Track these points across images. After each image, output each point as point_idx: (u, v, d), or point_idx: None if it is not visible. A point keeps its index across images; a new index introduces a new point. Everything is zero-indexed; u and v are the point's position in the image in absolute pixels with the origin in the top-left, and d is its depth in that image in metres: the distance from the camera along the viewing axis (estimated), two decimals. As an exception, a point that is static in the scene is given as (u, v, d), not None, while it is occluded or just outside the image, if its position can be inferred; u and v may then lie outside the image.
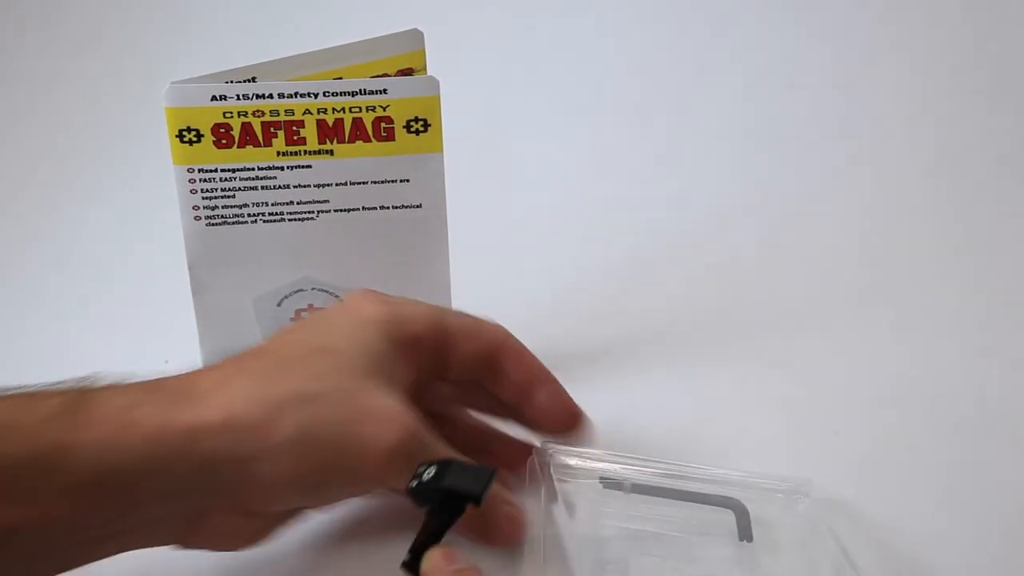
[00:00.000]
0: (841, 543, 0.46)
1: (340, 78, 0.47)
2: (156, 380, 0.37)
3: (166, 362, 0.41)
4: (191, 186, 0.47)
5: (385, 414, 0.38)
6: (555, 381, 0.46)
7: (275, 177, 0.47)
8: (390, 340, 0.40)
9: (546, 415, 0.45)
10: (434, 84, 0.47)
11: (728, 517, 0.46)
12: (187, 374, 0.38)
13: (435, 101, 0.47)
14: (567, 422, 0.46)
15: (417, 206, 0.49)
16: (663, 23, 0.93)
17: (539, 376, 0.45)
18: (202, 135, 0.46)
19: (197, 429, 0.35)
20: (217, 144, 0.46)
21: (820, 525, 0.46)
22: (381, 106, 0.46)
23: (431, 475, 0.36)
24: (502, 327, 0.45)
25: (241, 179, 0.47)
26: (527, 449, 0.46)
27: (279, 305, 0.50)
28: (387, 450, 0.37)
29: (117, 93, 0.91)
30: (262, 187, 0.47)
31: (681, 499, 0.47)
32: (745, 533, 0.45)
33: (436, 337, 0.42)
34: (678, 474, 0.47)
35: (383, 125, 0.47)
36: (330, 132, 0.47)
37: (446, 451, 0.39)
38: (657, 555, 0.45)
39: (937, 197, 0.80)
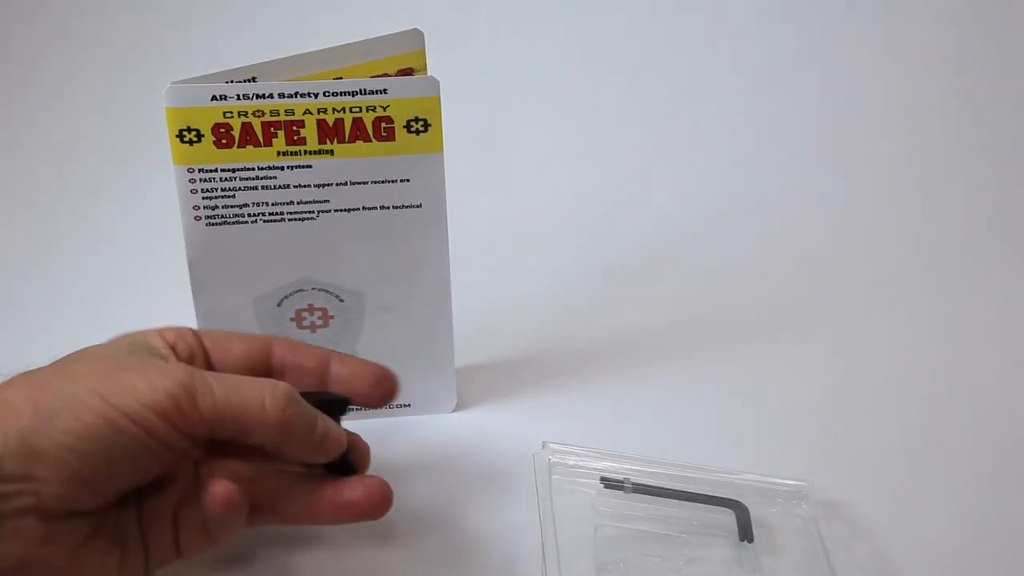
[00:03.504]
0: (841, 544, 0.46)
1: (340, 78, 0.47)
2: None
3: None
4: (191, 186, 0.47)
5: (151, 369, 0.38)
6: (338, 353, 0.45)
7: (275, 177, 0.47)
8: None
9: (347, 384, 0.44)
10: (434, 84, 0.47)
11: (728, 518, 0.46)
12: None
13: (435, 101, 0.47)
14: (374, 382, 0.44)
15: (417, 206, 0.49)
16: (663, 23, 0.93)
17: (316, 354, 0.44)
18: (202, 135, 0.46)
19: None
20: (217, 144, 0.46)
21: (821, 526, 0.46)
22: (381, 106, 0.46)
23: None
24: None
25: (241, 179, 0.47)
26: None
27: (279, 305, 0.50)
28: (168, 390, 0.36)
29: (117, 93, 0.91)
30: (262, 187, 0.47)
31: (682, 499, 0.47)
32: (746, 534, 0.45)
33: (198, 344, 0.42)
34: (679, 474, 0.47)
35: (383, 125, 0.47)
36: (330, 132, 0.47)
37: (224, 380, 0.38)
38: (657, 555, 0.45)
39: (939, 198, 0.80)
